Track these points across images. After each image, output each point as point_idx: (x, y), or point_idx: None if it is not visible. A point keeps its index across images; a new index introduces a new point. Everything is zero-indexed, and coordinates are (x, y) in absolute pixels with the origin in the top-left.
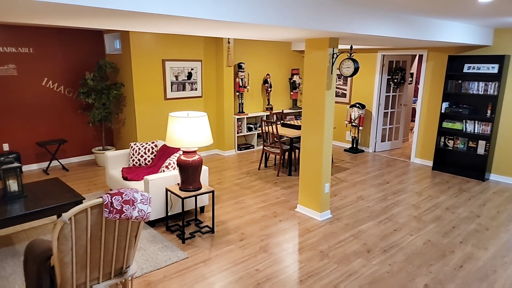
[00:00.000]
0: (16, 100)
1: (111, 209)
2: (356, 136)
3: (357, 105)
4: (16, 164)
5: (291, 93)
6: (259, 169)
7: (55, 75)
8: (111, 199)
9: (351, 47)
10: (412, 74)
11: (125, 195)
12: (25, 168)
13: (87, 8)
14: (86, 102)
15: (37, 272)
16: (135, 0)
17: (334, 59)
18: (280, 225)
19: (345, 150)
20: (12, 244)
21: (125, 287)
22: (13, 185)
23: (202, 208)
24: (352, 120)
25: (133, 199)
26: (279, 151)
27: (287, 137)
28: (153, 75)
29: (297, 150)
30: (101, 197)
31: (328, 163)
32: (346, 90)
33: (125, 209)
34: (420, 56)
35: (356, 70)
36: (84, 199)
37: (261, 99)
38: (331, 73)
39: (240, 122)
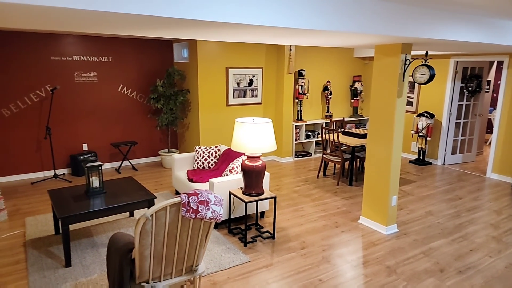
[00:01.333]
0: (95, 104)
1: (188, 208)
2: (423, 147)
3: (425, 114)
4: (98, 163)
5: (352, 100)
6: (317, 177)
7: (129, 82)
8: (188, 199)
9: (427, 53)
10: (489, 81)
11: (201, 195)
12: None
13: (167, 19)
14: (155, 107)
15: (119, 263)
16: (212, 11)
17: (406, 65)
18: (342, 236)
19: (410, 161)
20: (91, 236)
21: (193, 285)
22: (95, 182)
23: (262, 213)
24: (419, 130)
25: (208, 200)
26: (339, 160)
27: (348, 145)
28: (216, 82)
29: (358, 160)
30: (179, 196)
31: (396, 174)
32: (412, 98)
33: (200, 209)
34: (500, 63)
35: (431, 77)
36: (156, 197)
37: (320, 106)
38: (403, 80)
39: (298, 129)
